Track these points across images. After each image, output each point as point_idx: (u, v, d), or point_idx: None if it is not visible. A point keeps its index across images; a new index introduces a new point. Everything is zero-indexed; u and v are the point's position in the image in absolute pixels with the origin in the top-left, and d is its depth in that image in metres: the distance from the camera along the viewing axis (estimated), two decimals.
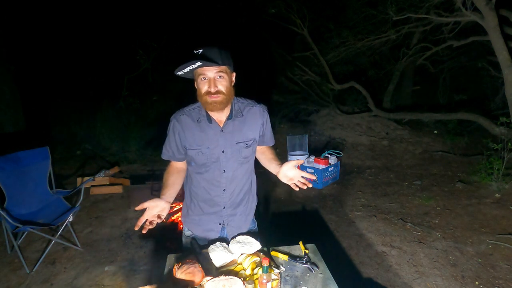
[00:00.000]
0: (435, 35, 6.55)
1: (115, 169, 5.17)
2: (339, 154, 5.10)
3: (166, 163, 1.64)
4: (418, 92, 9.59)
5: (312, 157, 4.75)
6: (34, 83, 6.62)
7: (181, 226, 3.54)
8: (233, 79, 1.46)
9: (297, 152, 5.06)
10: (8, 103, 5.50)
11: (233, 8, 7.75)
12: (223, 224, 1.61)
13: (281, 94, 8.39)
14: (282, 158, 5.10)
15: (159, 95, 7.54)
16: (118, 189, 4.41)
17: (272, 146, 1.70)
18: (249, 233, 1.65)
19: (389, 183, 4.72)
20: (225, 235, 1.64)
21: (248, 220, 1.68)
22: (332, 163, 4.75)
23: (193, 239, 1.65)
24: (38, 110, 6.43)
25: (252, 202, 1.69)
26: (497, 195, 4.00)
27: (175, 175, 1.58)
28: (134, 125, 6.63)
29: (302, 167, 4.74)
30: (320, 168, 4.56)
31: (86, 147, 6.22)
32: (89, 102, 7.12)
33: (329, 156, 4.83)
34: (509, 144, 4.06)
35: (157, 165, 5.46)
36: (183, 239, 1.70)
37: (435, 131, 6.97)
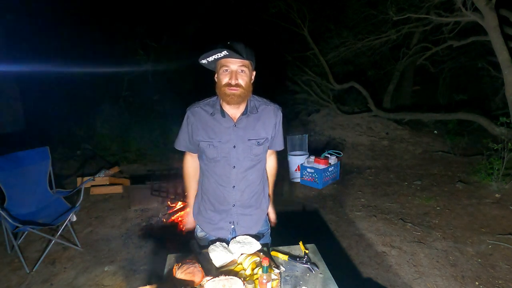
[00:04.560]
0: (435, 35, 6.56)
1: (115, 169, 5.17)
2: (339, 154, 5.10)
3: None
4: (418, 92, 9.59)
5: (312, 157, 4.75)
6: (34, 83, 6.61)
7: (181, 226, 3.54)
8: (253, 77, 1.49)
9: (297, 152, 5.06)
10: (8, 103, 5.50)
11: (234, 8, 7.75)
12: (233, 223, 1.59)
13: (281, 94, 8.39)
14: (282, 157, 5.11)
15: (159, 95, 7.54)
16: (118, 189, 4.40)
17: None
18: (260, 234, 1.66)
19: (389, 183, 4.72)
20: (234, 235, 1.62)
21: (259, 222, 1.66)
22: (332, 163, 4.75)
23: (199, 239, 1.65)
24: (38, 110, 6.42)
25: (264, 204, 1.68)
26: (497, 195, 3.99)
27: (193, 175, 1.67)
28: (134, 125, 6.63)
29: (302, 167, 4.75)
30: (320, 168, 4.56)
31: (86, 147, 6.22)
32: (89, 102, 7.12)
33: (329, 156, 4.83)
34: (509, 144, 4.06)
35: (157, 165, 5.46)
36: (194, 240, 1.68)
37: (435, 131, 6.97)
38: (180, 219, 3.62)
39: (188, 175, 1.69)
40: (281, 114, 1.59)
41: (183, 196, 3.88)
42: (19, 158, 3.02)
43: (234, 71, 1.39)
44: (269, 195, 1.74)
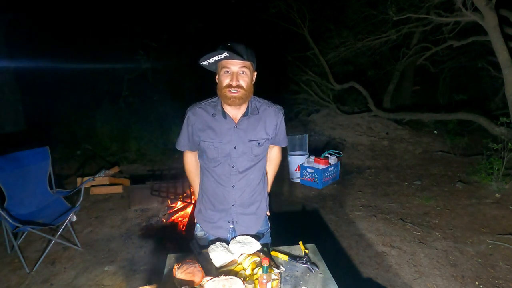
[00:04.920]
0: (435, 35, 6.56)
1: (115, 169, 5.17)
2: (339, 154, 5.09)
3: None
4: (418, 92, 9.60)
5: (312, 157, 4.75)
6: (35, 83, 6.62)
7: (181, 226, 3.54)
8: (254, 78, 1.49)
9: (297, 152, 5.06)
10: (8, 103, 5.50)
11: (234, 8, 7.75)
12: (233, 223, 1.59)
13: (281, 94, 8.40)
14: (282, 157, 5.10)
15: (159, 95, 7.54)
16: (118, 189, 4.40)
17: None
18: (260, 234, 1.66)
19: (389, 183, 4.72)
20: (234, 235, 1.62)
21: (259, 221, 1.66)
22: (332, 163, 4.75)
23: (198, 239, 1.65)
24: (38, 110, 6.42)
25: (264, 204, 1.68)
26: (497, 195, 3.99)
27: (195, 171, 1.68)
28: (134, 125, 6.63)
29: (302, 167, 4.75)
30: (320, 168, 4.56)
31: (86, 147, 6.22)
32: (89, 102, 7.12)
33: (329, 156, 4.83)
34: (509, 144, 4.06)
35: (157, 165, 5.46)
36: (194, 240, 1.68)
37: (435, 131, 6.97)
38: (180, 219, 3.63)
39: (190, 172, 1.70)
40: (282, 115, 1.59)
41: (183, 196, 3.88)
42: (19, 158, 3.02)
43: (235, 72, 1.39)
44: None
